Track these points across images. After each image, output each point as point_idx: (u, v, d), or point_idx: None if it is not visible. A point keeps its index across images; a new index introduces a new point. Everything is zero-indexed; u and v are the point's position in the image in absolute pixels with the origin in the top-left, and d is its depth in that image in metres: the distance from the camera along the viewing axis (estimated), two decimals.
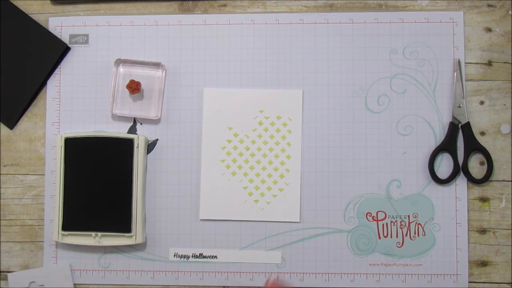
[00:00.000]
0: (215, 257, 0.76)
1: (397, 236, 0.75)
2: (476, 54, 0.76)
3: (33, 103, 0.78)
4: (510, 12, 0.76)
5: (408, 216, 0.75)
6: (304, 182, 0.75)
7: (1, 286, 0.77)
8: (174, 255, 0.76)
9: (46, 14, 0.79)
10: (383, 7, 0.77)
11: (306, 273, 0.75)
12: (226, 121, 0.76)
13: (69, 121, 0.78)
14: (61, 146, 0.75)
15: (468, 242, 0.74)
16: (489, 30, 0.76)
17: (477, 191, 0.75)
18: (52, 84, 0.78)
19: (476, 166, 0.75)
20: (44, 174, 0.77)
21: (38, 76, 0.77)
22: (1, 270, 0.78)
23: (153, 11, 0.79)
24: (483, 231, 0.75)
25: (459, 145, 0.75)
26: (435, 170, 0.75)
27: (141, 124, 0.77)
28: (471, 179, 0.74)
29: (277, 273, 0.75)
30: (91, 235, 0.75)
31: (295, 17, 0.77)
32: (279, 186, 0.75)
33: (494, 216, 0.75)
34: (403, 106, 0.76)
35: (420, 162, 0.75)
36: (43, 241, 0.77)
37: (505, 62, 0.75)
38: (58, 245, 0.77)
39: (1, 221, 0.78)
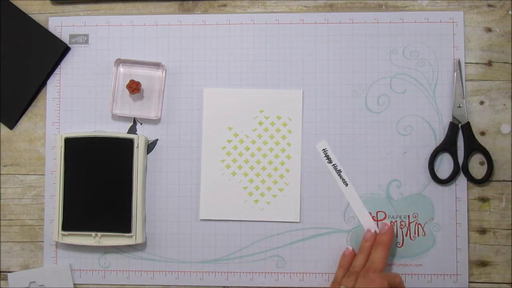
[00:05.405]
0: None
1: (397, 236, 0.75)
2: (476, 54, 0.76)
3: (33, 103, 0.78)
4: (510, 12, 0.76)
5: (408, 216, 0.75)
6: (304, 182, 0.75)
7: (1, 286, 0.77)
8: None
9: (46, 14, 0.79)
10: (383, 7, 0.77)
11: (306, 273, 0.75)
12: (226, 121, 0.76)
13: (69, 121, 0.78)
14: (61, 146, 0.75)
15: (468, 242, 0.74)
16: (489, 30, 0.76)
17: (477, 191, 0.75)
18: (52, 84, 0.78)
19: (476, 166, 0.75)
20: (44, 174, 0.77)
21: (38, 76, 0.77)
22: (1, 270, 0.78)
23: (153, 11, 0.78)
24: (483, 231, 0.75)
25: (459, 145, 0.75)
26: (435, 170, 0.74)
27: (141, 124, 0.77)
28: (471, 179, 0.74)
29: (277, 272, 0.75)
30: (91, 235, 0.75)
31: (295, 17, 0.77)
32: (279, 186, 0.75)
33: (494, 216, 0.75)
34: (403, 106, 0.75)
35: (420, 162, 0.75)
36: (43, 241, 0.77)
37: (505, 62, 0.75)
38: (58, 245, 0.77)
39: (1, 221, 0.78)
